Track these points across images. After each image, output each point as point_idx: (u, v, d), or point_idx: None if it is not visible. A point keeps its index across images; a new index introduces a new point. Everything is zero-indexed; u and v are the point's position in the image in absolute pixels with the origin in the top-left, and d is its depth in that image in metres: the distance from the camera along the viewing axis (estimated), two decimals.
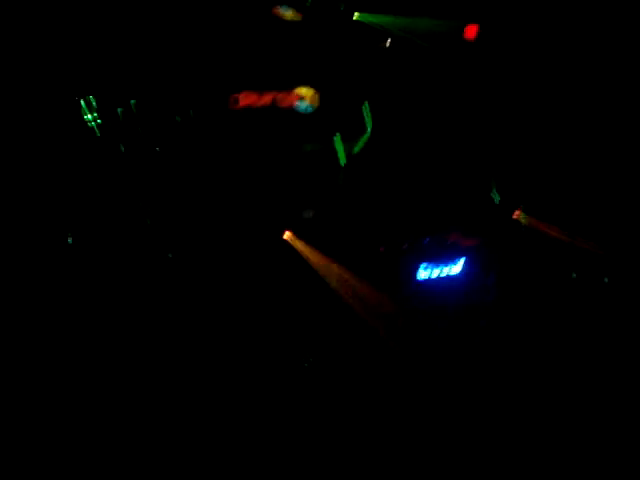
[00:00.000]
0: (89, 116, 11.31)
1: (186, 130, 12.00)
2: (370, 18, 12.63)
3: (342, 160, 12.79)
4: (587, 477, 9.75)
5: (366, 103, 12.65)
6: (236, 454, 10.60)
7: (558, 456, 10.05)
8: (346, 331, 12.11)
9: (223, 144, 12.25)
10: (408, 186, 12.88)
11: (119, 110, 11.49)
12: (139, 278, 11.58)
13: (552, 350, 11.61)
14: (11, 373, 10.14)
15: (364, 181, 12.84)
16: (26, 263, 10.65)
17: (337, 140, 12.76)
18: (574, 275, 11.58)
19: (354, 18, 12.73)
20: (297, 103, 12.51)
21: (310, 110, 12.57)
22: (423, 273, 12.69)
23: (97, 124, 11.31)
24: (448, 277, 12.72)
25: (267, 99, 12.44)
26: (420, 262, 12.69)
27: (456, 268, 12.70)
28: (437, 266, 12.69)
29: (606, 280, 11.43)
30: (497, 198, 12.59)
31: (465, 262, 12.67)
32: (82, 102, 11.23)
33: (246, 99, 12.32)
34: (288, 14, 12.48)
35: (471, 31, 12.71)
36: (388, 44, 12.70)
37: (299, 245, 12.23)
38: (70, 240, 11.02)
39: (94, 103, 11.28)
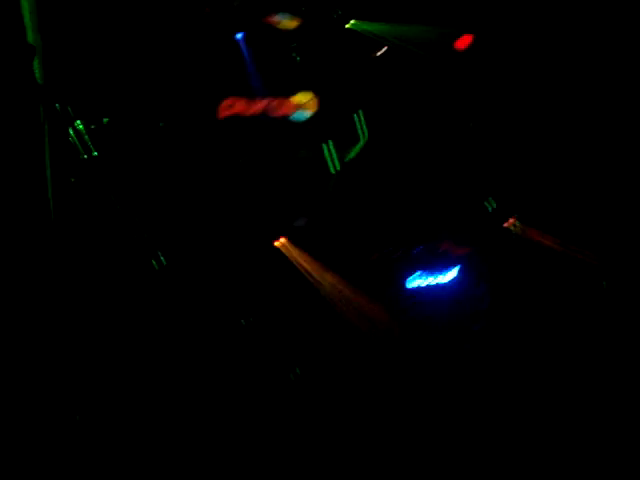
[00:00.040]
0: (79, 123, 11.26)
1: (174, 138, 11.94)
2: (364, 26, 12.67)
3: (332, 168, 12.79)
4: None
5: (360, 112, 12.68)
6: (228, 458, 10.55)
7: (554, 458, 10.04)
8: (338, 338, 12.08)
9: (213, 152, 12.21)
10: (401, 194, 12.90)
11: (105, 120, 11.45)
12: (131, 285, 11.50)
13: (546, 357, 11.60)
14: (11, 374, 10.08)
15: (357, 189, 12.85)
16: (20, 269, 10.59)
17: (326, 148, 12.77)
18: (604, 284, 11.55)
19: (347, 26, 12.77)
20: (295, 113, 12.51)
21: (307, 117, 12.59)
22: (415, 281, 12.69)
23: (80, 131, 11.24)
24: (440, 285, 12.71)
25: (258, 107, 12.42)
26: (412, 270, 12.70)
27: (448, 276, 12.70)
28: (429, 274, 12.69)
29: (604, 284, 11.45)
30: (491, 206, 12.63)
31: (457, 271, 12.66)
32: (69, 109, 11.15)
33: (235, 107, 12.31)
34: (284, 22, 12.50)
35: (463, 42, 12.77)
36: (382, 52, 12.75)
37: (292, 252, 12.22)
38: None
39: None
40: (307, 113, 12.70)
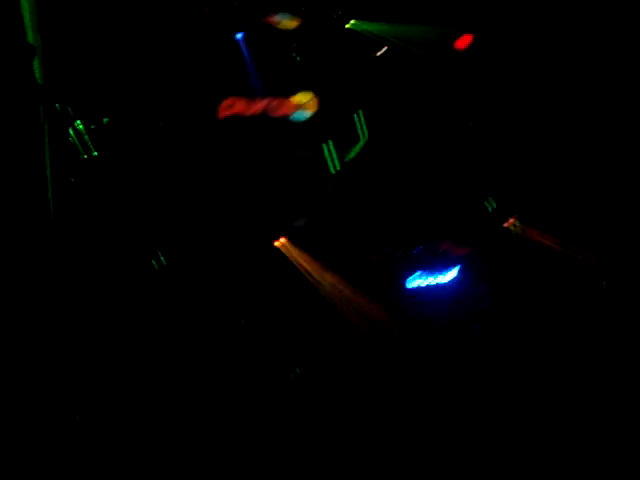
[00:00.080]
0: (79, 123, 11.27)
1: (174, 138, 11.94)
2: (364, 26, 12.67)
3: (332, 168, 12.80)
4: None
5: (360, 112, 12.68)
6: (228, 458, 10.56)
7: (553, 457, 10.06)
8: (338, 338, 12.09)
9: (212, 152, 12.21)
10: (401, 194, 12.91)
11: (105, 120, 11.45)
12: (131, 285, 11.51)
13: (546, 357, 11.61)
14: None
15: (357, 189, 12.86)
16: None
17: (326, 148, 12.77)
18: (604, 284, 11.55)
19: (347, 26, 12.77)
20: (295, 113, 12.52)
21: (307, 117, 12.60)
22: (415, 281, 12.69)
23: (80, 131, 11.24)
24: (440, 285, 12.71)
25: (258, 107, 12.42)
26: (412, 270, 12.71)
27: (448, 277, 12.70)
28: (429, 274, 12.69)
29: (604, 284, 11.46)
30: (491, 206, 12.63)
31: (457, 271, 12.67)
32: (69, 109, 11.16)
33: (235, 107, 12.32)
34: (284, 22, 12.50)
35: (462, 41, 12.78)
36: (382, 52, 12.75)
37: (292, 252, 12.22)
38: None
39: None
40: (307, 113, 12.71)
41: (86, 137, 11.25)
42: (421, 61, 12.72)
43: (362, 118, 12.73)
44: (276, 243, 12.40)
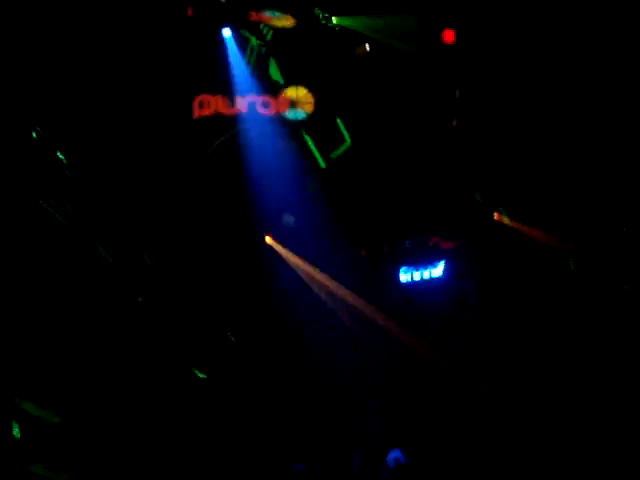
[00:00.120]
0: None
1: (157, 138, 11.91)
2: (345, 22, 12.64)
3: (322, 163, 12.80)
4: None
5: (338, 119, 12.70)
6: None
7: (547, 453, 10.15)
8: (329, 336, 12.15)
9: (189, 151, 12.19)
10: (389, 189, 12.92)
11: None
12: (119, 285, 11.58)
13: (535, 350, 11.66)
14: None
15: (344, 185, 12.87)
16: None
17: (311, 143, 12.77)
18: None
19: (333, 22, 12.73)
20: (289, 111, 12.51)
21: (302, 117, 12.59)
22: (404, 276, 12.72)
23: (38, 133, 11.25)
24: (430, 279, 12.74)
25: (242, 105, 12.40)
26: (401, 265, 12.73)
27: (437, 270, 12.73)
28: (418, 269, 12.71)
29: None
30: (479, 199, 12.63)
31: (446, 264, 12.69)
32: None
33: (215, 105, 12.31)
34: (275, 20, 12.47)
35: (449, 35, 12.74)
36: (366, 49, 12.73)
37: (281, 250, 12.26)
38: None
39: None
40: (299, 112, 12.70)
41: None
42: (406, 56, 12.69)
43: (342, 125, 12.73)
44: (267, 240, 12.42)
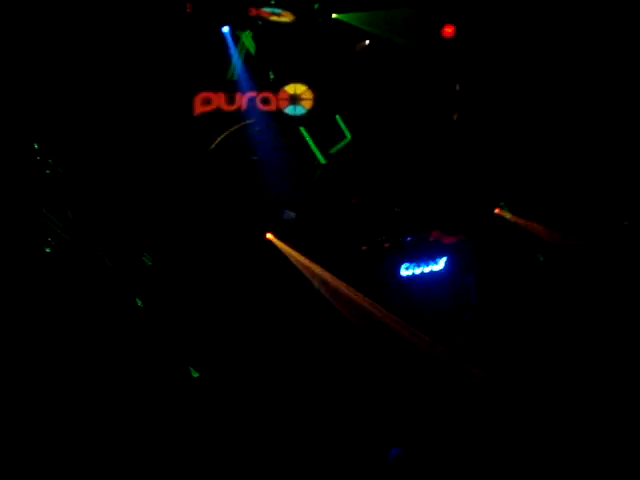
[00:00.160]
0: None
1: (156, 135, 11.93)
2: (346, 17, 12.64)
3: (322, 159, 12.83)
4: None
5: (338, 117, 12.71)
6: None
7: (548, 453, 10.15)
8: (331, 332, 12.15)
9: (191, 147, 12.21)
10: (390, 184, 12.93)
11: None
12: (122, 281, 11.61)
13: (536, 345, 11.66)
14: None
15: (345, 180, 12.88)
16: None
17: (309, 139, 12.80)
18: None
19: (332, 17, 12.74)
20: (289, 107, 12.52)
21: (302, 113, 12.61)
22: (405, 271, 12.72)
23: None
24: (430, 274, 12.75)
25: (242, 101, 12.42)
26: (402, 260, 12.73)
27: (438, 266, 12.74)
28: (419, 264, 12.72)
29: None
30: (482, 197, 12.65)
31: (447, 259, 12.70)
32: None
33: (216, 102, 12.34)
34: (275, 16, 12.48)
35: (449, 29, 12.74)
36: (366, 44, 12.73)
37: (282, 246, 12.27)
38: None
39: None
40: (299, 108, 12.72)
41: None
42: (406, 51, 12.69)
43: (341, 121, 12.74)
44: (267, 236, 12.43)
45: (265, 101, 12.63)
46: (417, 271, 12.71)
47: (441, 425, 11.02)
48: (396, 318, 12.22)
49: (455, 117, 12.79)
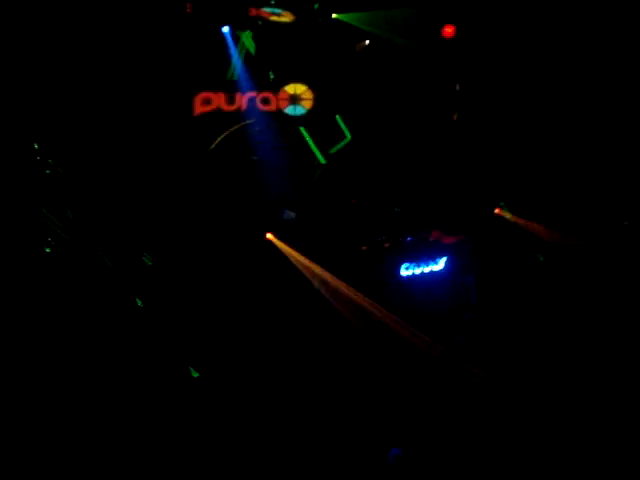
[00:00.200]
0: None
1: (157, 136, 11.94)
2: (346, 17, 12.65)
3: (322, 159, 12.84)
4: None
5: (338, 117, 12.72)
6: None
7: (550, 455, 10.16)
8: (331, 332, 12.15)
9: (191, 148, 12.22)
10: (390, 184, 12.93)
11: None
12: (122, 282, 11.62)
13: (536, 345, 11.67)
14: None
15: (345, 180, 12.88)
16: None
17: (309, 139, 12.81)
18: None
19: (333, 16, 12.75)
20: (289, 107, 12.54)
21: (302, 113, 12.62)
22: (405, 271, 12.72)
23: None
24: (430, 274, 12.75)
25: (242, 101, 12.43)
26: (402, 260, 12.73)
27: (438, 265, 12.74)
28: (419, 264, 12.72)
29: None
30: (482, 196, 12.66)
31: (447, 259, 12.70)
32: None
33: (216, 102, 12.35)
34: (275, 16, 12.49)
35: (449, 29, 12.75)
36: (366, 44, 12.74)
37: (282, 246, 12.27)
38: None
39: None
40: (299, 108, 12.73)
41: None
42: (407, 51, 12.70)
43: (341, 121, 12.75)
44: (267, 236, 12.43)
45: (265, 101, 12.65)
46: (417, 271, 12.71)
47: (441, 425, 11.03)
48: (396, 318, 12.22)
49: (455, 117, 12.79)
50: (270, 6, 12.56)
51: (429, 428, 11.01)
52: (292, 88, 12.72)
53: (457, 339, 12.19)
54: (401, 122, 12.86)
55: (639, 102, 11.46)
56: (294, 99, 12.71)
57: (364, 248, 12.75)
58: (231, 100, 12.41)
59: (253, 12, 12.60)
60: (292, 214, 12.49)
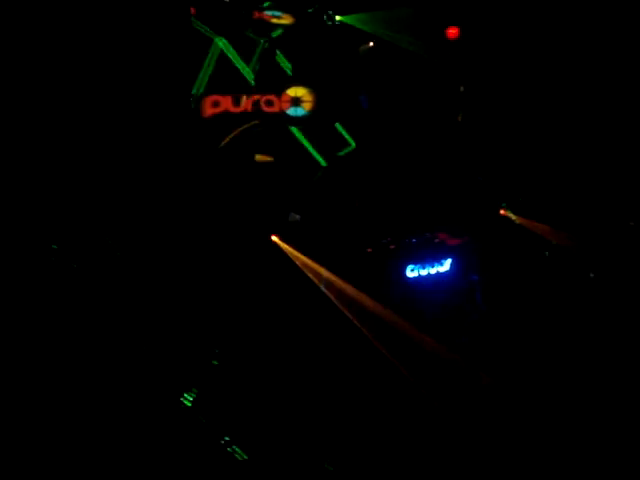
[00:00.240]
0: None
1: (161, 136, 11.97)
2: (350, 19, 12.68)
3: (322, 161, 12.88)
4: None
5: (338, 125, 12.80)
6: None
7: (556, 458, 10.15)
8: (337, 334, 12.15)
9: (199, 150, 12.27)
10: (395, 186, 12.93)
11: None
12: (124, 282, 11.62)
13: (543, 346, 11.66)
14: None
15: (351, 182, 12.90)
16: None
17: (305, 142, 12.87)
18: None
19: (336, 20, 12.77)
20: (291, 108, 12.59)
21: (303, 114, 12.66)
22: (411, 273, 12.72)
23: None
24: (436, 275, 12.75)
25: (247, 104, 12.48)
26: (408, 262, 12.72)
27: (444, 267, 12.74)
28: (425, 266, 12.71)
29: (592, 275, 11.50)
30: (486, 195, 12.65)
31: (452, 261, 12.70)
32: None
33: (223, 104, 12.40)
34: (278, 19, 12.53)
35: (453, 31, 12.77)
36: (370, 46, 12.76)
37: (287, 248, 12.26)
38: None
39: None
40: (299, 109, 12.77)
41: None
42: (411, 53, 12.72)
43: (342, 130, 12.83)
44: (272, 238, 12.43)
45: (269, 103, 12.72)
46: (423, 273, 12.70)
47: (447, 427, 11.03)
48: (402, 319, 12.22)
49: (459, 118, 12.79)
50: (272, 9, 12.63)
51: (435, 430, 11.02)
52: (293, 91, 12.84)
53: (463, 340, 12.18)
54: (405, 124, 12.87)
55: None
56: (295, 101, 12.80)
57: (369, 250, 12.75)
58: (237, 102, 12.50)
59: (256, 15, 12.66)
60: (297, 216, 12.49)
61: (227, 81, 12.58)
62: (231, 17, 12.47)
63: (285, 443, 10.90)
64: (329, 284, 12.27)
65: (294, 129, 12.93)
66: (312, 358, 11.91)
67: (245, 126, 12.50)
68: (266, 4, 12.64)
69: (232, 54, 12.60)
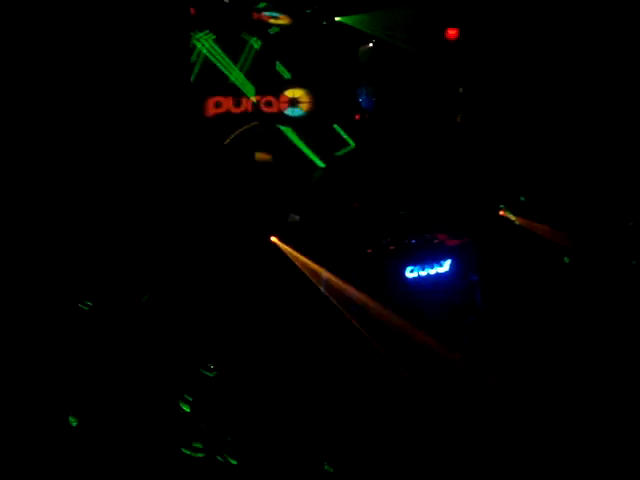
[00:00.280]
0: None
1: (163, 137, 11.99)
2: (349, 20, 12.71)
3: (320, 163, 12.90)
4: None
5: (336, 126, 12.85)
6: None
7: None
8: (336, 334, 12.15)
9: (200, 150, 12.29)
10: (394, 187, 12.95)
11: None
12: (125, 282, 11.62)
13: (543, 346, 11.67)
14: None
15: (351, 183, 12.91)
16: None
17: (299, 143, 12.91)
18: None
19: (336, 19, 12.80)
20: (288, 109, 12.64)
21: (300, 115, 12.70)
22: (410, 273, 12.72)
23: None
24: (436, 276, 12.75)
25: (248, 104, 12.52)
26: (407, 263, 12.73)
27: (443, 268, 12.74)
28: (424, 266, 12.72)
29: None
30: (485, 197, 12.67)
31: (452, 261, 12.71)
32: None
33: (224, 105, 12.43)
34: (276, 20, 12.56)
35: (453, 32, 12.80)
36: (370, 47, 12.78)
37: (287, 249, 12.26)
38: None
39: None
40: (297, 110, 12.81)
41: None
42: (410, 53, 12.73)
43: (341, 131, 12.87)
44: (272, 239, 12.43)
45: (268, 104, 12.76)
46: (422, 273, 12.70)
47: (447, 427, 11.02)
48: (401, 320, 12.22)
49: (459, 119, 12.81)
50: (270, 10, 12.67)
51: (435, 430, 11.01)
52: (291, 92, 12.90)
53: (462, 341, 12.18)
54: (405, 124, 12.88)
55: None
56: (293, 102, 12.84)
57: (369, 251, 12.75)
58: (238, 103, 12.55)
59: (255, 16, 12.70)
60: (297, 217, 12.50)
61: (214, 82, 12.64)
62: (230, 18, 12.49)
63: (285, 444, 10.90)
64: (329, 285, 12.28)
65: (288, 130, 12.98)
66: (312, 358, 11.91)
67: (245, 127, 12.53)
68: (261, 5, 12.66)
69: (219, 55, 12.63)
